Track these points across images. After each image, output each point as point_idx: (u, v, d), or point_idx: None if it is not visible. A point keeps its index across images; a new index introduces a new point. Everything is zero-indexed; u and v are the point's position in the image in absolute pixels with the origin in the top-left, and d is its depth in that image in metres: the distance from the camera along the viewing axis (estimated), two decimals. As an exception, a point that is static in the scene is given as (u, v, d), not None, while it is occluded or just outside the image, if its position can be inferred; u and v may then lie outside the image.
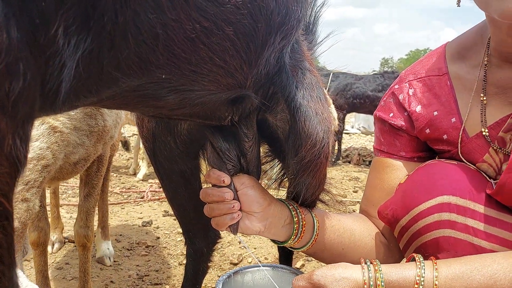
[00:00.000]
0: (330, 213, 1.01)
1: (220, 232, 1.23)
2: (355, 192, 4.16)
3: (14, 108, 0.37)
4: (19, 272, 0.83)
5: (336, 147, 5.78)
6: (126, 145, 4.77)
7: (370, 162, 5.66)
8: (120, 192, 3.93)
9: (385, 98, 1.07)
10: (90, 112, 1.29)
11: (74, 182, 3.86)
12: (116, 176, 4.69)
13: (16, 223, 0.93)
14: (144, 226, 2.85)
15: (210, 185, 0.90)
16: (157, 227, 2.84)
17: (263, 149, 1.08)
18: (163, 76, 0.58)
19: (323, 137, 0.79)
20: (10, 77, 0.36)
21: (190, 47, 0.57)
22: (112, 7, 0.46)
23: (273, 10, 0.59)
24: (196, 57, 0.59)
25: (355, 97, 5.65)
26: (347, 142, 7.53)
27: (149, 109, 0.71)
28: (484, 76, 0.90)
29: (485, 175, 0.89)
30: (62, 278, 2.01)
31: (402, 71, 1.08)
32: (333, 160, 5.74)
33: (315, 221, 0.95)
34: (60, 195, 3.60)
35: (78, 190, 1.62)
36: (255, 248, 2.55)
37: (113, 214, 3.11)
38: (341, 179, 4.84)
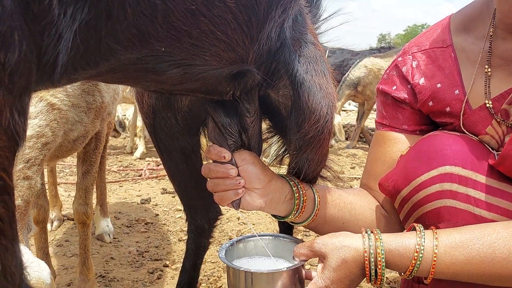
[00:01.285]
0: (330, 188, 1.01)
1: (221, 208, 1.24)
2: (353, 168, 4.18)
3: (11, 80, 0.36)
4: (24, 248, 0.83)
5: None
6: (121, 125, 4.74)
7: (366, 140, 5.68)
8: (118, 170, 3.93)
9: (388, 71, 1.06)
10: (87, 89, 1.27)
11: (71, 160, 3.86)
12: (113, 154, 4.68)
13: (19, 201, 0.92)
14: (142, 203, 2.86)
15: (211, 161, 0.89)
16: (156, 205, 2.85)
17: (265, 125, 1.07)
18: (163, 49, 0.57)
19: (327, 112, 0.78)
20: (5, 47, 0.35)
21: (190, 19, 0.55)
22: None
23: None
24: (197, 30, 0.57)
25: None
26: (344, 119, 7.52)
27: (150, 84, 0.69)
28: (489, 47, 0.88)
29: (487, 147, 0.89)
30: (63, 255, 2.02)
31: (405, 44, 1.06)
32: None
33: (316, 196, 0.95)
34: (57, 174, 3.60)
35: (76, 168, 1.61)
36: (253, 224, 2.57)
37: (111, 192, 3.12)
38: (339, 155, 4.85)
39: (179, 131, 1.00)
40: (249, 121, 0.87)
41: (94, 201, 2.29)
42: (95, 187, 2.25)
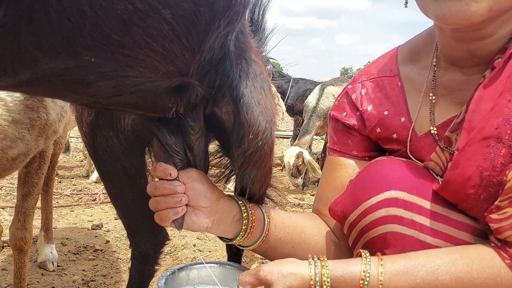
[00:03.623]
0: (281, 211, 0.99)
1: (180, 233, 1.19)
2: (313, 195, 4.20)
3: None
4: None
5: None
6: (65, 147, 4.57)
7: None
8: (71, 194, 3.76)
9: (339, 98, 1.08)
10: (31, 104, 1.21)
11: (20, 183, 3.65)
12: (68, 177, 4.49)
13: None
14: (93, 229, 2.73)
15: (157, 180, 0.86)
16: (108, 230, 2.73)
17: (214, 146, 1.05)
18: (92, 60, 0.53)
19: (265, 127, 0.77)
20: None
21: (122, 29, 0.52)
22: None
23: None
24: (129, 41, 0.54)
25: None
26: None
27: (81, 97, 0.65)
28: (433, 77, 0.91)
29: (432, 173, 0.90)
30: (-2, 284, 1.87)
31: (356, 73, 1.09)
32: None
33: (265, 217, 0.93)
34: (4, 197, 3.40)
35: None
36: (210, 251, 2.50)
37: (61, 217, 2.96)
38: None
39: (122, 151, 0.96)
40: (193, 139, 0.85)
41: (39, 226, 2.16)
42: (40, 211, 2.13)
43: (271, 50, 1.14)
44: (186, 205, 0.85)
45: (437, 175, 0.89)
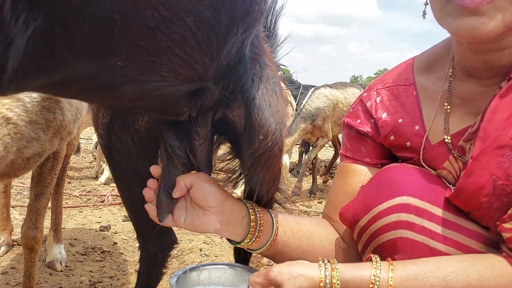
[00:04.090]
0: (289, 216, 1.00)
1: (187, 236, 1.20)
2: (320, 203, 4.19)
3: None
4: None
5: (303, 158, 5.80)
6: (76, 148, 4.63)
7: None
8: (80, 195, 3.79)
9: (353, 105, 1.09)
10: (48, 106, 1.23)
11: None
12: (77, 178, 4.53)
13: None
14: (101, 230, 2.75)
15: None
16: (115, 232, 2.75)
17: (226, 148, 1.06)
18: (120, 64, 0.55)
19: (275, 128, 0.79)
20: None
21: (148, 35, 0.54)
22: None
23: (236, 2, 0.58)
24: (154, 46, 0.56)
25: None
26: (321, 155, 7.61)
27: (106, 100, 0.67)
28: (449, 87, 0.92)
29: (445, 181, 0.90)
30: (6, 283, 1.89)
31: (372, 81, 1.10)
32: (300, 171, 5.76)
33: (274, 221, 0.94)
34: (14, 196, 3.43)
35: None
36: (216, 256, 2.51)
37: (69, 218, 2.99)
38: (307, 189, 4.87)
39: (136, 153, 0.97)
40: (197, 144, 0.86)
41: (48, 225, 2.18)
42: (50, 211, 2.15)
43: (282, 57, 1.16)
44: (196, 206, 0.87)
45: (450, 183, 0.89)
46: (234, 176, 1.08)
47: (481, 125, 0.79)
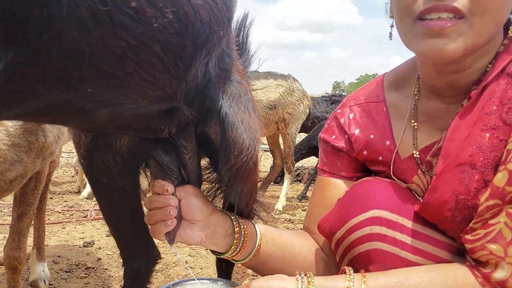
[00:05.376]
0: (271, 227, 1.03)
1: (161, 252, 1.21)
2: (304, 211, 4.23)
3: None
4: None
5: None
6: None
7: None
8: (62, 210, 3.74)
9: (328, 121, 1.14)
10: (30, 128, 1.24)
11: (11, 199, 3.64)
12: (59, 193, 4.48)
13: None
14: (85, 246, 2.73)
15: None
16: (99, 248, 2.73)
17: (204, 162, 1.09)
18: (89, 91, 0.58)
19: (249, 144, 0.82)
20: None
21: (117, 63, 0.57)
22: (37, 26, 0.46)
23: (199, 30, 0.62)
24: (123, 73, 0.59)
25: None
26: (298, 162, 7.65)
27: (81, 124, 0.70)
28: (415, 104, 0.97)
29: (414, 194, 0.95)
30: (-10, 303, 1.87)
31: (345, 98, 1.15)
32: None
33: (257, 232, 0.97)
34: (-6, 214, 3.38)
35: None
36: (201, 268, 2.51)
37: (52, 234, 2.96)
38: (291, 197, 4.90)
39: (118, 171, 0.99)
40: (187, 157, 0.89)
41: (31, 243, 2.16)
42: (32, 228, 2.14)
43: (266, 64, 1.20)
44: (182, 219, 0.89)
45: (419, 196, 0.94)
46: (213, 190, 1.11)
47: (443, 144, 0.84)
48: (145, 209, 0.99)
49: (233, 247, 0.93)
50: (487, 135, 0.79)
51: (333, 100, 5.99)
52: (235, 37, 1.12)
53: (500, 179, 0.74)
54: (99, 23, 0.52)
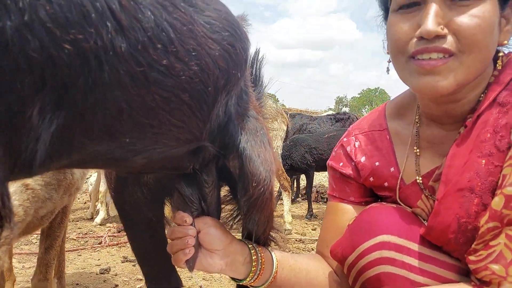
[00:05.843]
0: (287, 253, 1.08)
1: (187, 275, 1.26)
2: (314, 230, 4.25)
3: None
4: None
5: (295, 185, 5.90)
6: None
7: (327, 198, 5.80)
8: (77, 238, 3.80)
9: (336, 149, 1.20)
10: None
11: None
12: (72, 220, 4.54)
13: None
14: (102, 273, 2.78)
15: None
16: (116, 274, 2.78)
17: (225, 191, 1.15)
18: (127, 140, 0.65)
19: (265, 175, 0.89)
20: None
21: (151, 114, 0.65)
22: (83, 90, 0.54)
23: (218, 76, 0.70)
24: (157, 122, 0.67)
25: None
26: (305, 180, 7.67)
27: (119, 168, 0.77)
28: (417, 132, 1.03)
29: (420, 218, 1.01)
30: (15, 333, 1.92)
31: (350, 126, 1.22)
32: (292, 197, 5.84)
33: (274, 259, 1.02)
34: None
35: (32, 237, 1.60)
36: (216, 292, 2.55)
37: (69, 262, 3.01)
38: (300, 216, 4.92)
39: (145, 203, 1.06)
40: (207, 191, 0.96)
41: (51, 273, 2.22)
42: (53, 258, 2.19)
43: (270, 85, 1.26)
44: (203, 248, 0.94)
45: (424, 219, 1.00)
46: (231, 219, 1.17)
47: (443, 170, 0.90)
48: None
49: (251, 274, 0.98)
50: (483, 161, 0.85)
51: (338, 118, 6.06)
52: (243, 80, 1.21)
53: (497, 202, 0.80)
54: (135, 82, 0.60)
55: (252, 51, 1.24)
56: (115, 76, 0.58)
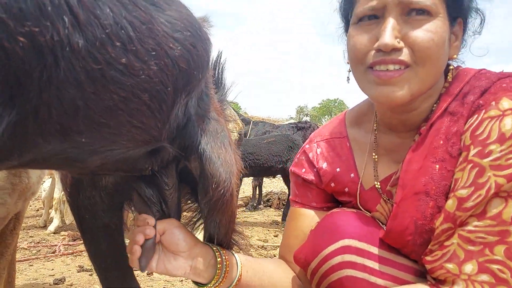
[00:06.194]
0: (251, 257, 1.08)
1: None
2: (276, 236, 4.27)
3: None
4: None
5: (257, 192, 5.92)
6: None
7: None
8: (28, 247, 3.62)
9: (298, 156, 1.23)
10: (14, 170, 1.24)
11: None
12: (24, 229, 4.32)
13: None
14: (55, 284, 2.66)
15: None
16: (71, 285, 2.67)
17: (185, 193, 1.14)
18: (83, 140, 0.63)
19: (225, 177, 0.89)
20: None
21: (109, 113, 0.63)
22: (38, 86, 0.52)
23: (178, 76, 0.69)
24: (114, 121, 0.65)
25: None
26: (268, 187, 7.74)
27: (74, 170, 0.74)
28: (375, 139, 1.08)
29: (379, 222, 1.04)
30: None
31: (312, 133, 1.25)
32: (255, 205, 5.86)
33: (238, 262, 1.02)
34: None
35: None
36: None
37: (19, 273, 2.86)
38: (262, 223, 4.94)
39: (103, 208, 1.03)
40: (168, 193, 0.95)
41: None
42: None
43: (233, 92, 1.27)
44: (168, 251, 0.93)
45: (383, 223, 1.03)
46: (193, 221, 1.16)
47: (400, 175, 0.95)
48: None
49: (215, 277, 0.97)
50: (437, 166, 0.89)
51: (299, 127, 6.16)
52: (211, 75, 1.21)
53: (450, 205, 0.84)
54: (92, 80, 0.59)
55: (214, 54, 1.25)
56: (71, 73, 0.56)
